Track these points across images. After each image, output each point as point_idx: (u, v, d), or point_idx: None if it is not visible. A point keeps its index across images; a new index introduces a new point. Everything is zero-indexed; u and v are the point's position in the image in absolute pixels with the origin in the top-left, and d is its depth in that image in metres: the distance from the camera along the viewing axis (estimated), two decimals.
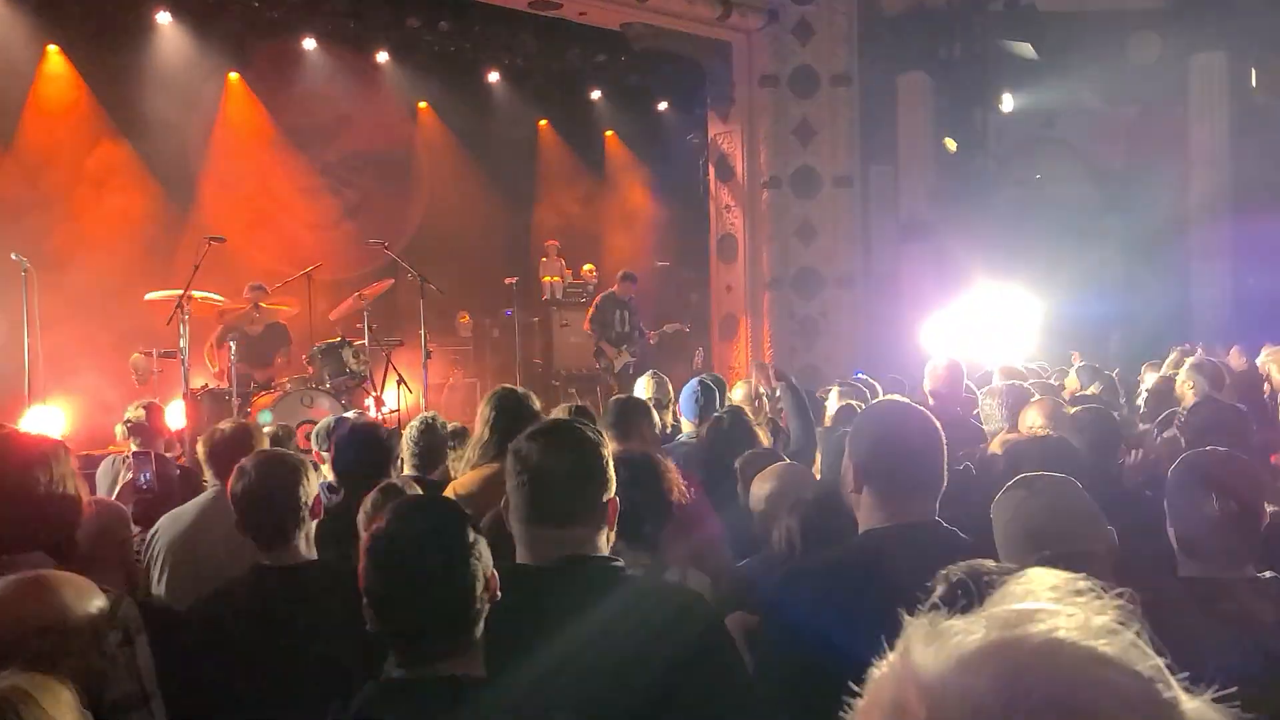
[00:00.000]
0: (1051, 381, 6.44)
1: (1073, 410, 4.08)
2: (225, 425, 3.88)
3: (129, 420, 4.99)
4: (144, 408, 5.09)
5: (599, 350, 10.57)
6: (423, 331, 8.52)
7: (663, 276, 13.87)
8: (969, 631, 0.62)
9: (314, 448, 4.94)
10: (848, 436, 2.30)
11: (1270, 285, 11.26)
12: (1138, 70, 12.70)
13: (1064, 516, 2.25)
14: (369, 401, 8.49)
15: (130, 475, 4.14)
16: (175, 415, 6.89)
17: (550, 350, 12.72)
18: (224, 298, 8.19)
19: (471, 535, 1.78)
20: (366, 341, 8.58)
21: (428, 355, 8.54)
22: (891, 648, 0.65)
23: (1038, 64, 12.04)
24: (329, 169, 12.44)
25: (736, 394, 5.98)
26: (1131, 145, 13.43)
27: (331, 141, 12.33)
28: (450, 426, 4.64)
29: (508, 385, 4.12)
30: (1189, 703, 0.60)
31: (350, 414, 6.37)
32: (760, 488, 3.34)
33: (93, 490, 4.38)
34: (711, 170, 12.71)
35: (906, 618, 0.66)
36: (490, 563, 1.78)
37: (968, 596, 0.69)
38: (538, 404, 3.98)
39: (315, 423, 7.01)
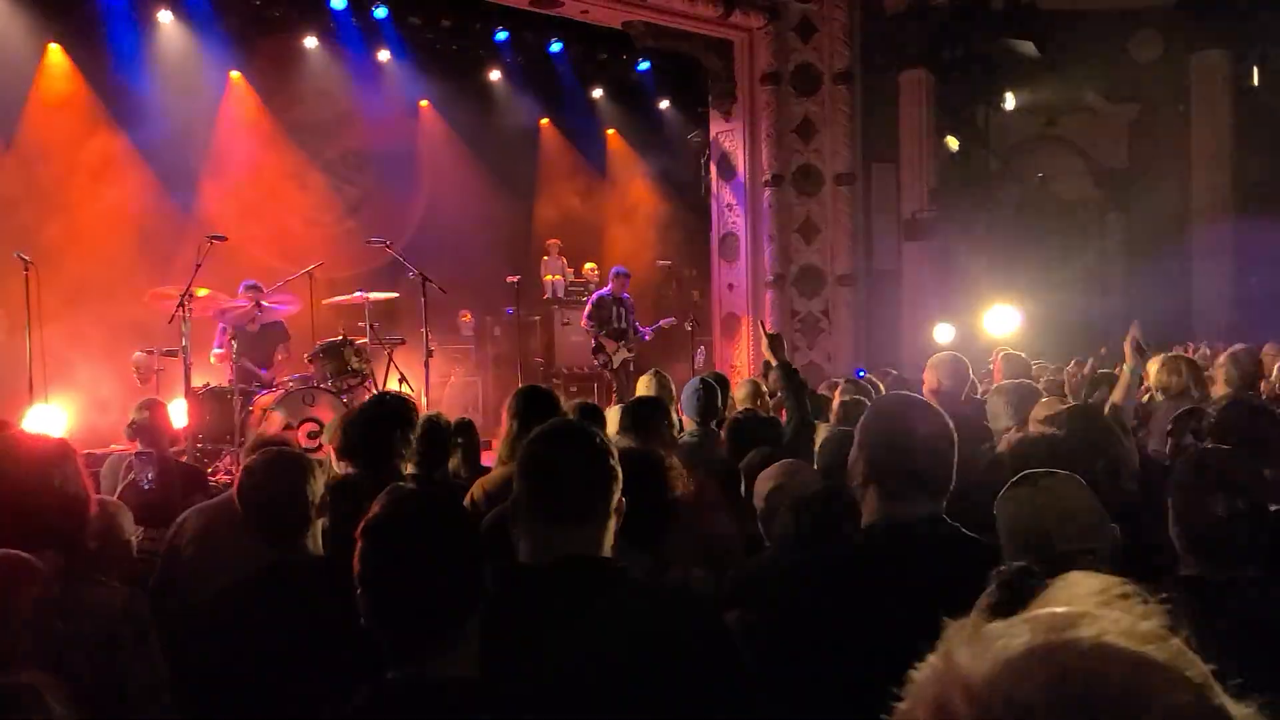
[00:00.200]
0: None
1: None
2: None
3: (134, 422, 4.99)
4: (148, 408, 5.08)
5: (598, 345, 10.56)
6: (424, 330, 8.49)
7: (664, 275, 13.85)
8: (1013, 634, 0.61)
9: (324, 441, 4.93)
10: (856, 428, 2.26)
11: (1272, 284, 11.25)
12: (1139, 68, 12.72)
13: (1068, 514, 2.25)
14: None
15: (133, 475, 4.14)
16: (178, 414, 6.88)
17: (551, 349, 12.73)
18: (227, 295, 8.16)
19: (465, 524, 1.77)
20: (368, 340, 8.55)
21: (429, 354, 8.51)
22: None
23: (1039, 62, 12.05)
24: (330, 166, 12.43)
25: (740, 393, 5.96)
26: (1133, 143, 13.43)
27: (332, 139, 12.31)
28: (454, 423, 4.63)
29: (534, 384, 4.14)
30: (1238, 709, 0.60)
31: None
32: (762, 485, 3.33)
33: (98, 489, 4.37)
34: (713, 168, 12.72)
35: (946, 619, 0.65)
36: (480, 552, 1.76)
37: (1016, 598, 0.68)
38: (563, 403, 4.02)
39: (317, 421, 7.02)
